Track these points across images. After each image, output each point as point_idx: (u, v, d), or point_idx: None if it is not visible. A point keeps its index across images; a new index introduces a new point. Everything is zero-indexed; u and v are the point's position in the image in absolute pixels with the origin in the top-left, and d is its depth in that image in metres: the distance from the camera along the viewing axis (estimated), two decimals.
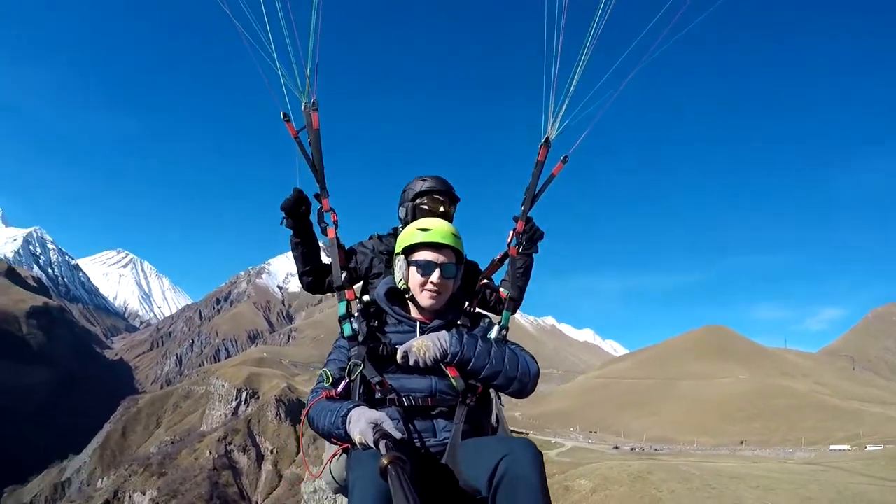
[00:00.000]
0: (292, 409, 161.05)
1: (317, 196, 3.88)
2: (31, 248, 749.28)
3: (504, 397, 3.36)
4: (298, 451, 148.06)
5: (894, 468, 55.76)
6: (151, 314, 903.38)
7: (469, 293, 3.98)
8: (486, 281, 4.24)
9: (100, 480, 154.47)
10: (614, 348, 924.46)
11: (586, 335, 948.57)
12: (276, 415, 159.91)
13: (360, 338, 3.32)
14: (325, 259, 4.27)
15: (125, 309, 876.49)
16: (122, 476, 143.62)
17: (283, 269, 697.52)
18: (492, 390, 3.39)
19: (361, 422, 2.79)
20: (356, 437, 2.78)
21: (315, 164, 3.85)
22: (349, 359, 3.27)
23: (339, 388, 3.16)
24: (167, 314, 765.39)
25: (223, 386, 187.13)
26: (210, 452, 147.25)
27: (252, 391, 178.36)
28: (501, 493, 2.70)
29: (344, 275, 3.77)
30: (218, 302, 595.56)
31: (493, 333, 3.43)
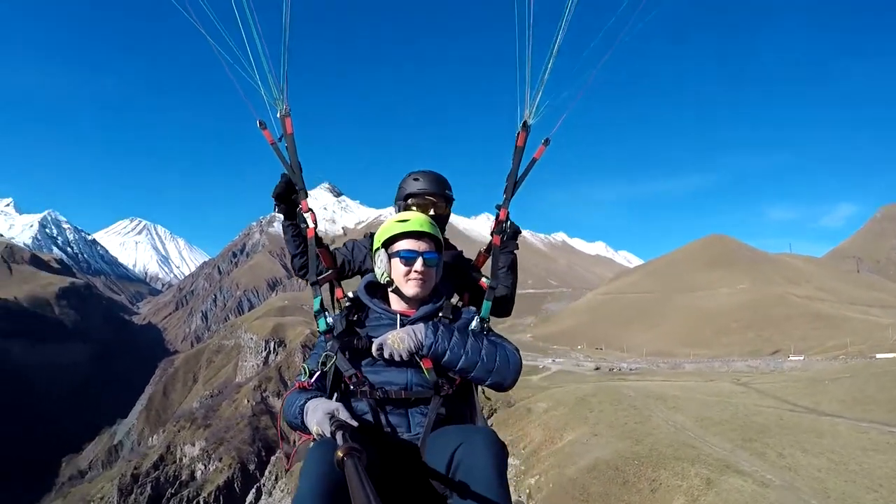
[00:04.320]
0: None
1: (295, 199, 3.99)
2: (47, 231, 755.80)
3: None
4: None
5: (806, 393, 59.75)
6: (171, 275, 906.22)
7: (461, 285, 4.18)
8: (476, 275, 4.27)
9: (150, 439, 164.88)
10: (628, 259, 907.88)
11: (598, 248, 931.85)
12: (303, 360, 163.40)
13: (336, 332, 3.37)
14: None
15: (146, 274, 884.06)
16: (171, 432, 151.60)
17: None
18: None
19: (318, 412, 2.79)
20: (313, 428, 2.79)
21: (292, 167, 3.93)
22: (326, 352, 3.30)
23: (312, 380, 3.21)
24: (187, 273, 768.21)
25: (252, 339, 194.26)
26: (248, 401, 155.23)
27: (279, 340, 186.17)
28: (457, 482, 2.69)
29: (330, 271, 4.03)
30: (234, 255, 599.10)
31: (474, 324, 3.45)
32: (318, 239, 3.94)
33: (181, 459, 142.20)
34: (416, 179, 4.30)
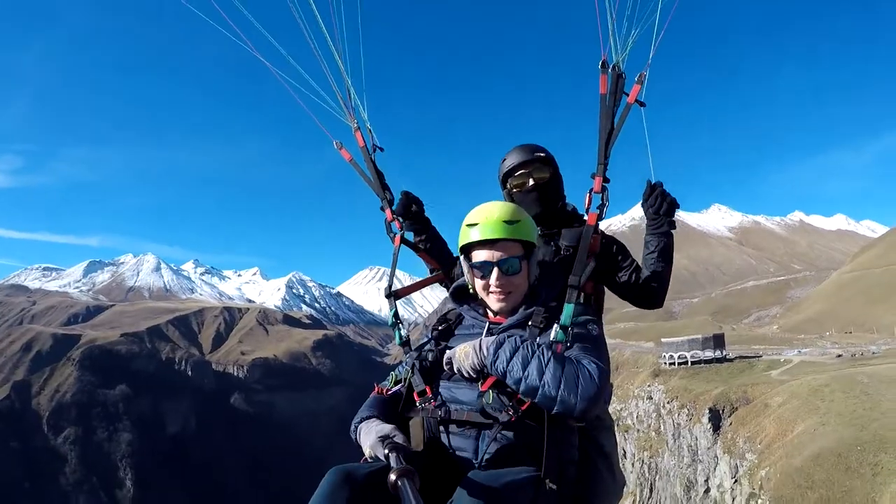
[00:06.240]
0: None
1: (382, 209, 3.88)
2: (294, 291, 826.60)
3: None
4: None
5: None
6: (416, 315, 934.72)
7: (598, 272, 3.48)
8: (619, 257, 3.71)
9: None
10: (871, 229, 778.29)
11: (838, 221, 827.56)
12: None
13: (412, 344, 3.25)
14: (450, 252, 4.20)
15: None
16: None
17: None
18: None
19: (371, 435, 2.63)
20: (366, 451, 2.66)
21: (371, 179, 3.92)
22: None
23: (390, 391, 3.08)
24: (430, 310, 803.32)
25: None
26: None
27: None
28: None
29: (438, 273, 4.05)
30: None
31: (553, 334, 2.78)
32: (410, 243, 4.04)
33: None
34: (504, 160, 3.90)
